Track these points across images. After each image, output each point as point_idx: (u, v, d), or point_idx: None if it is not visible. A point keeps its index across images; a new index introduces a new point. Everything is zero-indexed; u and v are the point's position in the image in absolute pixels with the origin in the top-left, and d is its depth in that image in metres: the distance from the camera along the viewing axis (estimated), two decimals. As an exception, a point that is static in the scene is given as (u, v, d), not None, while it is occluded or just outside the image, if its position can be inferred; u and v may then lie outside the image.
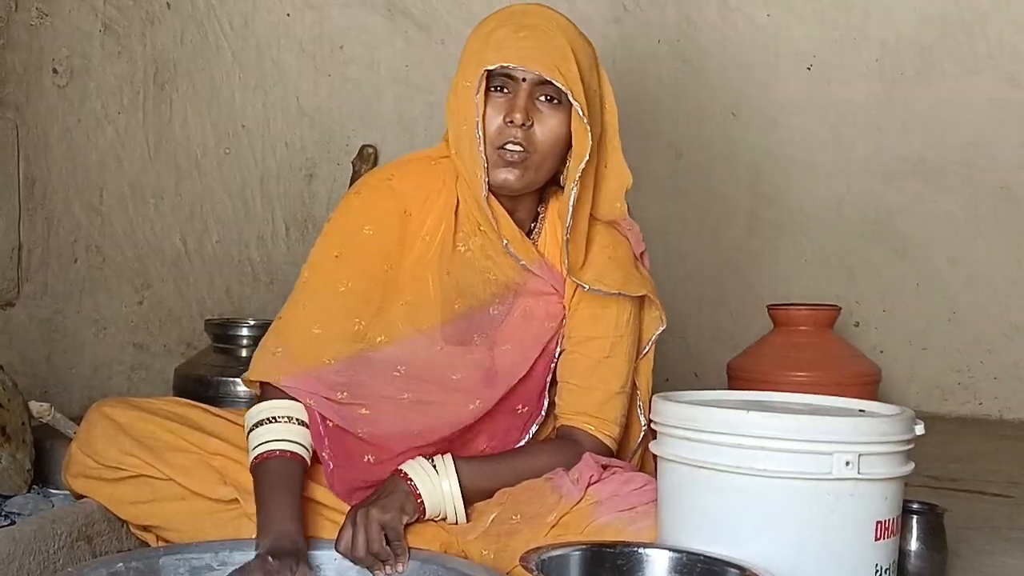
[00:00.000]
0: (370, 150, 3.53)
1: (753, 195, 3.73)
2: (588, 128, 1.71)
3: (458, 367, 1.77)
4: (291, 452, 1.68)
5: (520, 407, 1.81)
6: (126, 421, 1.77)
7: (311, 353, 1.74)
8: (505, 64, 1.70)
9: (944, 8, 3.57)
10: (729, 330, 3.67)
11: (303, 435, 1.71)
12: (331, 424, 1.73)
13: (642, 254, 1.91)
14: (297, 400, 1.72)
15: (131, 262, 3.31)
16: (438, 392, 1.76)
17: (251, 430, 1.71)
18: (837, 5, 3.64)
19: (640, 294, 1.83)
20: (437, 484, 1.66)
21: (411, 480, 1.66)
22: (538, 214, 1.86)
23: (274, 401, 1.73)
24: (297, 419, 1.71)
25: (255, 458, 1.68)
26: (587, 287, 1.78)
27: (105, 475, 1.75)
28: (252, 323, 2.82)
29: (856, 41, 3.63)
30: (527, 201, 1.83)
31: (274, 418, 1.70)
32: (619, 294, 1.80)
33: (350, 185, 3.45)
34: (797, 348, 3.01)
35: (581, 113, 1.71)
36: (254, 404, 1.75)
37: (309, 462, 1.71)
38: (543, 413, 1.83)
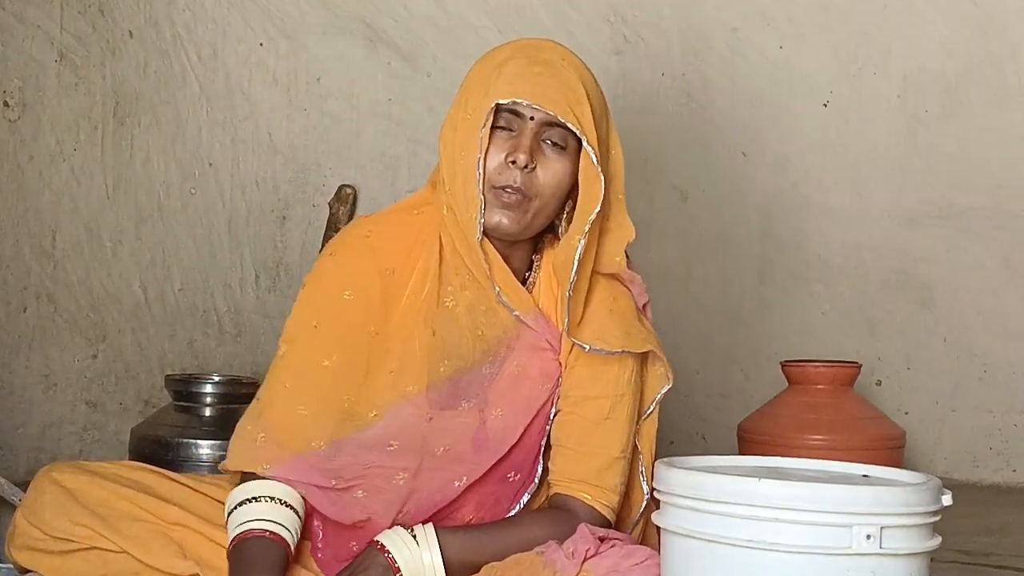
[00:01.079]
0: (348, 191, 3.54)
1: (765, 240, 3.74)
2: (601, 176, 1.73)
3: (446, 437, 1.77)
4: (275, 534, 1.68)
5: (511, 475, 1.81)
6: (77, 487, 1.76)
7: (299, 437, 1.74)
8: (517, 100, 1.72)
9: (971, 40, 3.61)
10: (739, 388, 3.67)
11: (290, 519, 1.71)
12: (319, 517, 1.74)
13: (645, 306, 1.91)
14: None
15: (85, 312, 3.31)
16: (431, 471, 1.76)
17: (230, 513, 1.71)
18: (855, 36, 3.68)
19: (645, 350, 1.84)
20: (417, 556, 1.65)
21: (389, 552, 1.66)
22: (532, 263, 1.87)
23: (260, 482, 1.72)
24: (285, 502, 1.71)
25: (233, 539, 1.67)
26: (587, 347, 1.78)
27: (53, 547, 1.74)
28: (217, 379, 2.82)
29: (876, 75, 3.67)
30: (522, 249, 1.84)
31: (257, 498, 1.70)
32: (622, 352, 1.81)
33: (326, 228, 3.47)
34: (814, 409, 3.01)
35: (595, 159, 1.72)
36: (235, 487, 1.74)
37: (293, 551, 1.70)
38: (536, 481, 1.83)
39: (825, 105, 3.71)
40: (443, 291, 1.80)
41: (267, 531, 1.67)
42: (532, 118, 1.74)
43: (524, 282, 1.85)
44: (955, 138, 3.62)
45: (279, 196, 3.59)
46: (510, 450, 1.79)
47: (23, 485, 1.92)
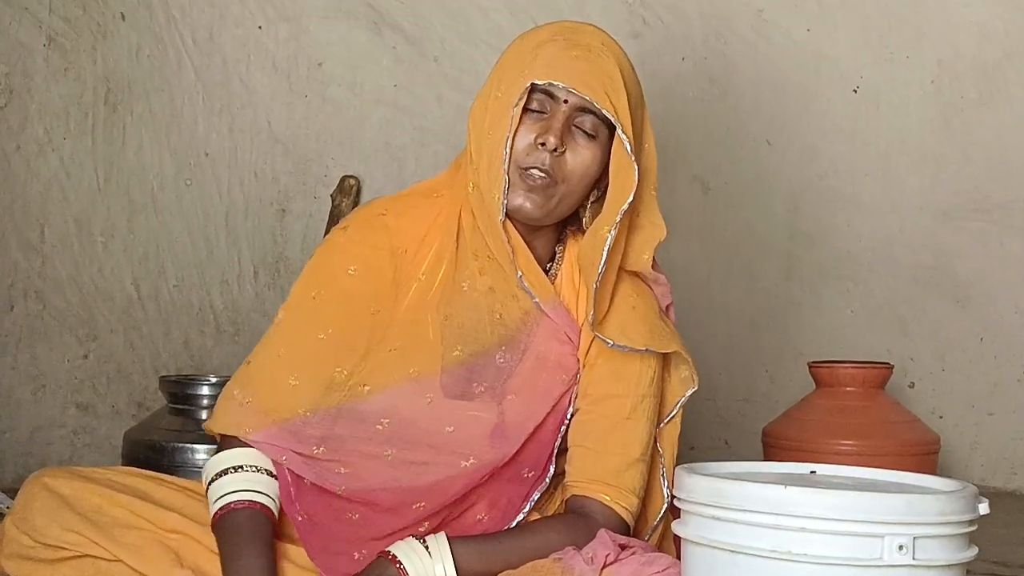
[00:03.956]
0: (352, 182, 3.55)
1: (792, 234, 3.74)
2: (635, 165, 1.74)
3: (452, 421, 1.79)
4: (260, 504, 1.73)
5: (526, 471, 1.83)
6: (69, 493, 1.77)
7: (286, 405, 1.78)
8: (554, 82, 1.75)
9: (1009, 23, 3.60)
10: (764, 391, 3.67)
11: (272, 487, 1.76)
12: (307, 482, 1.76)
13: (668, 308, 1.94)
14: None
15: (75, 310, 3.32)
16: (426, 451, 1.78)
17: (212, 481, 1.75)
18: (887, 18, 3.67)
19: (670, 350, 1.86)
20: (430, 568, 1.67)
21: (400, 564, 1.67)
22: (555, 253, 1.90)
23: (237, 450, 1.77)
24: (265, 469, 1.76)
25: (219, 511, 1.71)
26: (611, 343, 1.80)
27: (44, 555, 1.75)
28: (214, 381, 2.83)
29: (909, 60, 3.67)
30: (545, 236, 1.88)
31: (239, 467, 1.75)
32: (646, 350, 1.82)
33: (328, 221, 3.48)
34: (843, 412, 3.01)
35: (628, 148, 1.74)
36: (214, 455, 1.78)
37: (278, 517, 1.75)
38: (547, 480, 1.85)
39: (855, 91, 3.70)
40: (459, 275, 1.84)
41: (256, 502, 1.73)
42: (566, 102, 1.78)
43: (546, 272, 1.88)
44: (992, 126, 3.61)
45: (279, 188, 3.61)
46: (524, 444, 1.81)
47: (11, 491, 1.94)
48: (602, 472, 1.81)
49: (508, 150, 1.77)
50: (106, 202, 3.39)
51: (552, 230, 1.89)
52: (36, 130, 3.26)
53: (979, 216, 3.63)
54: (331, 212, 3.50)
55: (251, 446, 1.77)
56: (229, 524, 1.71)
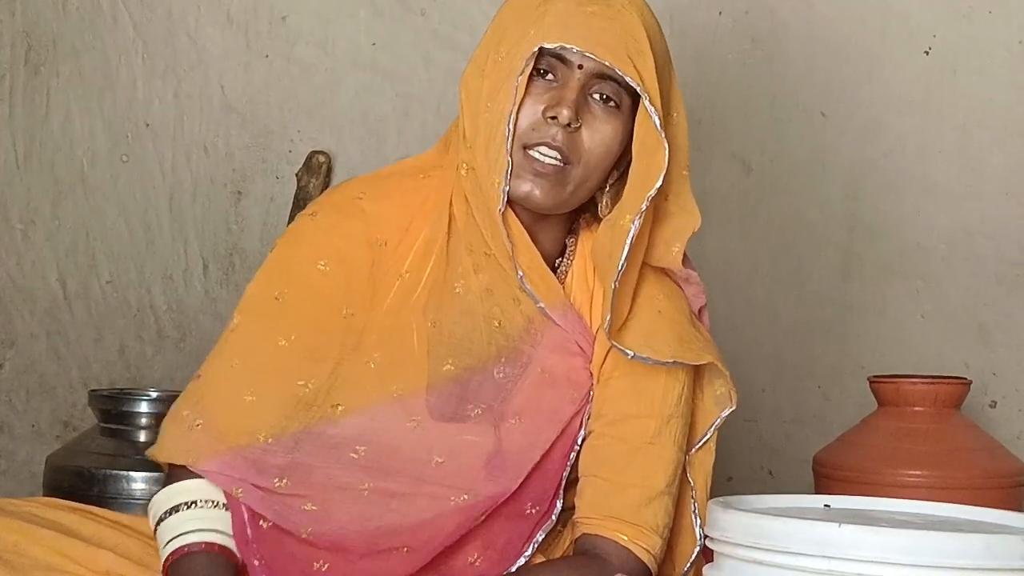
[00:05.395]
0: (322, 159, 3.56)
1: (850, 225, 3.75)
2: (665, 144, 1.75)
3: (441, 449, 1.79)
4: (218, 545, 1.73)
5: (529, 507, 1.83)
6: (-20, 529, 1.78)
7: (241, 428, 1.79)
8: (566, 45, 1.75)
9: (1112, -29, 3.61)
10: (816, 411, 3.67)
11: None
12: (264, 525, 1.76)
13: (701, 310, 1.94)
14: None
15: (-11, 310, 3.33)
16: (410, 483, 1.79)
17: (161, 520, 1.75)
18: (966, -34, 3.68)
19: (702, 362, 1.86)
20: (426, 620, 1.68)
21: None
22: (565, 247, 1.90)
23: (189, 481, 1.78)
24: (223, 504, 1.77)
25: (172, 554, 1.72)
26: (631, 354, 1.80)
27: (-50, 603, 1.76)
28: (155, 395, 2.83)
29: (991, 16, 3.67)
30: (554, 227, 1.88)
31: (192, 503, 1.76)
32: (673, 362, 1.82)
33: (293, 206, 3.48)
34: (910, 436, 3.02)
35: (657, 123, 1.74)
36: (162, 487, 1.79)
37: (241, 561, 1.76)
38: (554, 518, 1.85)
39: (926, 53, 3.71)
40: (451, 274, 1.84)
41: (213, 543, 1.73)
42: (581, 67, 1.78)
43: (554, 269, 1.88)
44: (1092, 95, 3.62)
45: (233, 165, 3.61)
46: (529, 476, 1.82)
47: (-88, 527, 1.94)
48: (619, 507, 1.82)
49: (511, 126, 1.77)
50: (26, 181, 3.40)
51: (562, 219, 1.89)
52: (-58, 95, 3.27)
53: (1075, 203, 3.64)
54: (296, 195, 3.51)
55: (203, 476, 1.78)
56: (184, 570, 1.71)
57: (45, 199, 3.43)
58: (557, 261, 1.91)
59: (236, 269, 3.56)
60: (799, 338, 3.76)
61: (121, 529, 1.83)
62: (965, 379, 3.14)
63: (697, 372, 1.90)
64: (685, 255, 1.92)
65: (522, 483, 1.82)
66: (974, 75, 3.69)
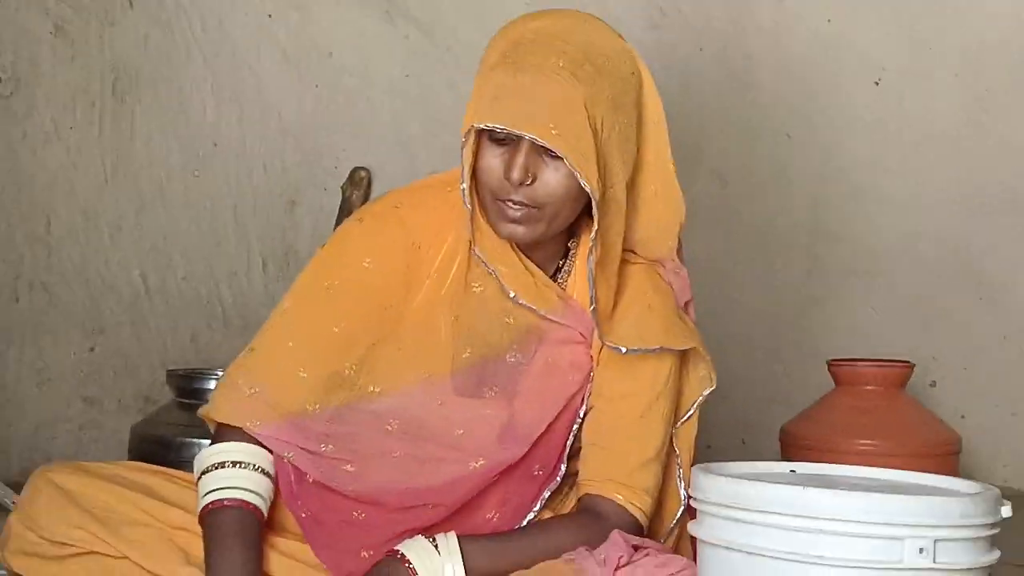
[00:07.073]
0: (363, 174, 3.56)
1: (813, 231, 3.74)
2: (594, 194, 1.70)
3: (462, 422, 1.80)
4: (249, 503, 1.72)
5: (537, 469, 1.83)
6: (75, 489, 1.78)
7: (294, 399, 1.78)
8: (495, 126, 1.69)
9: (1038, 12, 3.59)
10: (783, 389, 3.66)
11: (264, 486, 1.76)
12: (309, 480, 1.77)
13: (687, 304, 1.93)
14: (263, 446, 1.76)
15: (82, 302, 3.34)
16: (435, 449, 1.79)
17: (205, 471, 1.75)
18: (911, 7, 3.66)
19: (686, 347, 1.86)
20: (439, 567, 1.68)
21: (410, 563, 1.68)
22: (568, 250, 1.89)
23: (232, 443, 1.77)
24: (260, 467, 1.76)
25: (210, 504, 1.71)
26: (624, 350, 1.79)
27: (49, 552, 1.76)
28: (222, 374, 2.84)
29: (933, 51, 3.65)
30: (551, 241, 1.85)
31: (236, 463, 1.75)
32: (660, 349, 1.82)
33: (339, 214, 3.48)
34: (863, 411, 3.01)
35: (582, 181, 1.69)
36: (211, 443, 1.79)
37: (266, 519, 1.75)
38: (559, 479, 1.85)
39: (877, 83, 3.70)
40: (471, 275, 1.84)
41: (244, 501, 1.72)
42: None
43: (558, 270, 1.87)
44: (1021, 117, 3.60)
45: (288, 179, 3.61)
46: (536, 442, 1.82)
47: (16, 486, 1.95)
48: (616, 471, 1.82)
49: (466, 186, 1.73)
50: (113, 193, 3.41)
51: (557, 234, 1.85)
52: (43, 119, 3.27)
53: (1007, 211, 3.62)
54: (341, 204, 3.51)
55: (250, 439, 1.77)
56: (214, 523, 1.71)
57: (130, 208, 3.43)
58: (560, 262, 1.90)
59: (290, 267, 3.57)
60: (769, 327, 3.75)
61: (193, 489, 1.82)
62: (909, 362, 3.13)
63: (683, 357, 1.89)
64: (680, 250, 1.91)
65: (529, 450, 1.82)
66: (919, 102, 3.68)
